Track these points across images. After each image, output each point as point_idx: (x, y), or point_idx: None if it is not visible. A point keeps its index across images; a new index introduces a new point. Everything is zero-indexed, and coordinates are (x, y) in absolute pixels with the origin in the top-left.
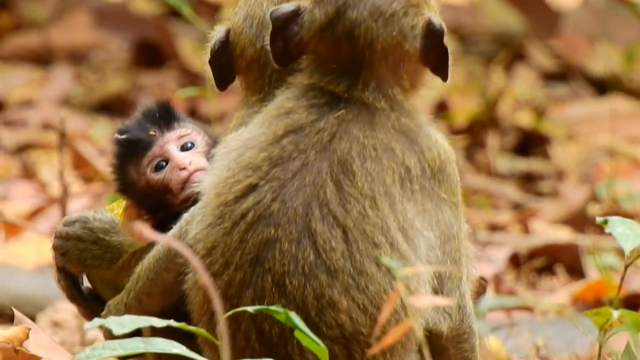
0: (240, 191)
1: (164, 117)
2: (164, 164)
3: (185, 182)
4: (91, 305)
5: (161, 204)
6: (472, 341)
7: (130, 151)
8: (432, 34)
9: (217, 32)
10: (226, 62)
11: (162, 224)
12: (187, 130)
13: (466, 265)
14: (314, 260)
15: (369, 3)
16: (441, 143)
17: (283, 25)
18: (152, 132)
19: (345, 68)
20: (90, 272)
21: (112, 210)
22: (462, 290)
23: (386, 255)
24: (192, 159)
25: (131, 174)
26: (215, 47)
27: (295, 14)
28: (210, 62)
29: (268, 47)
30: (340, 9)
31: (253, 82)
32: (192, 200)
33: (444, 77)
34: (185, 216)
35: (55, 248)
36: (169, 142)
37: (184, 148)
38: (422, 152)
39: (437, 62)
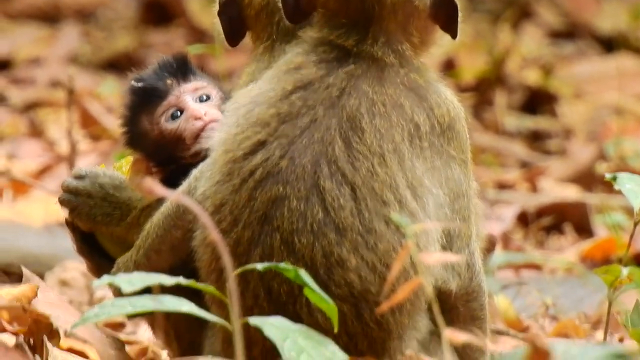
0: (248, 148)
1: (181, 68)
2: (179, 113)
3: (200, 132)
4: (100, 261)
5: (172, 156)
6: (481, 299)
7: (146, 100)
8: None
9: None
10: (236, 15)
11: (172, 178)
12: (203, 83)
13: (475, 223)
14: (323, 218)
15: None
16: (450, 100)
17: None
18: (169, 82)
19: (355, 22)
20: (99, 228)
21: (119, 169)
22: (472, 248)
23: (395, 213)
24: (208, 110)
25: (144, 123)
26: None
27: None
28: (220, 13)
29: (277, 2)
30: None
31: (261, 31)
32: (202, 155)
33: (454, 34)
34: (194, 172)
35: (63, 202)
36: (185, 92)
37: (199, 100)
38: (431, 109)
39: (447, 18)
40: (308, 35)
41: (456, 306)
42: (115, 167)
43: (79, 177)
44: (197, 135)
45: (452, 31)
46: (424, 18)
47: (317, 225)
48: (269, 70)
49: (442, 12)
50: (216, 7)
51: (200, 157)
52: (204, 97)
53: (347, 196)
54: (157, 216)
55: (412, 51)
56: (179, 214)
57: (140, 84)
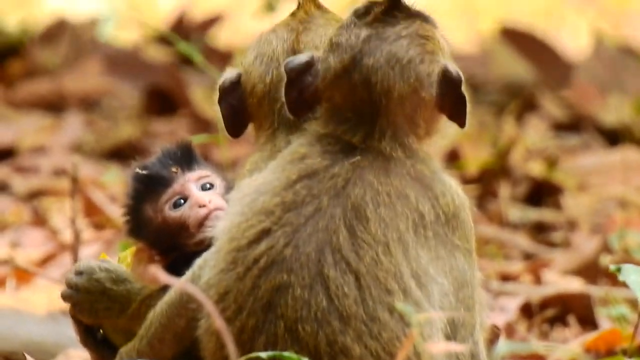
0: (253, 236)
1: (185, 157)
2: (183, 201)
3: (204, 220)
4: (104, 351)
5: (175, 244)
6: None
7: (150, 187)
8: (449, 82)
9: (227, 73)
10: (238, 104)
11: (174, 266)
12: (207, 171)
13: (479, 313)
14: (327, 306)
15: (385, 50)
16: (455, 189)
17: (297, 76)
18: (173, 170)
19: (361, 116)
20: (102, 321)
21: (124, 260)
22: (475, 338)
23: (399, 302)
24: (212, 198)
25: (147, 211)
26: (225, 84)
27: (309, 64)
28: (220, 100)
29: (280, 90)
30: (357, 56)
31: (264, 120)
32: (206, 243)
33: (462, 124)
34: (198, 261)
35: (65, 298)
36: (190, 181)
37: (203, 188)
38: (436, 198)
39: (454, 109)
40: (313, 129)
41: None
42: (120, 259)
43: (78, 273)
44: (201, 223)
45: (460, 121)
46: (430, 108)
47: (321, 314)
48: (272, 160)
49: (449, 102)
50: (216, 95)
51: (203, 245)
52: (208, 186)
53: (351, 284)
54: (161, 305)
55: (418, 142)
56: (183, 303)
57: (144, 172)
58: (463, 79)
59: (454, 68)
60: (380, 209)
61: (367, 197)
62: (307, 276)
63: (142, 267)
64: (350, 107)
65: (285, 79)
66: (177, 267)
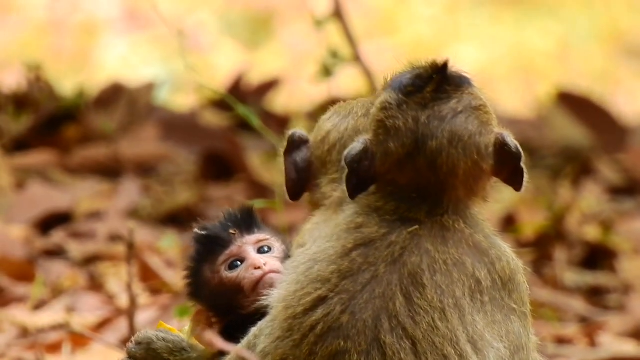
0: (309, 304)
1: (245, 220)
2: (239, 263)
3: (259, 282)
4: None
5: (231, 306)
6: None
7: (208, 249)
8: (508, 155)
9: (297, 129)
10: (302, 164)
11: (230, 329)
12: (266, 235)
13: None
14: None
15: (446, 130)
16: (509, 253)
17: (358, 164)
18: (232, 232)
19: (425, 195)
20: None
21: (184, 330)
22: None
23: None
24: (268, 261)
25: (205, 273)
26: (293, 137)
27: (365, 150)
28: (286, 154)
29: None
30: (419, 140)
31: (329, 169)
32: (261, 308)
33: (518, 187)
34: (253, 330)
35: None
36: (247, 243)
37: (260, 251)
38: (492, 264)
39: (511, 176)
40: (370, 201)
41: None
42: (181, 330)
43: (137, 344)
44: (255, 285)
45: (517, 184)
46: (488, 176)
47: None
48: (327, 229)
49: (507, 171)
50: (283, 148)
51: (258, 307)
52: (266, 249)
53: (408, 350)
54: None
55: (476, 209)
56: None
57: (203, 232)
58: (522, 152)
59: (511, 140)
60: (436, 276)
61: (424, 264)
62: (364, 342)
63: (200, 330)
64: (414, 188)
65: (346, 170)
66: (233, 330)
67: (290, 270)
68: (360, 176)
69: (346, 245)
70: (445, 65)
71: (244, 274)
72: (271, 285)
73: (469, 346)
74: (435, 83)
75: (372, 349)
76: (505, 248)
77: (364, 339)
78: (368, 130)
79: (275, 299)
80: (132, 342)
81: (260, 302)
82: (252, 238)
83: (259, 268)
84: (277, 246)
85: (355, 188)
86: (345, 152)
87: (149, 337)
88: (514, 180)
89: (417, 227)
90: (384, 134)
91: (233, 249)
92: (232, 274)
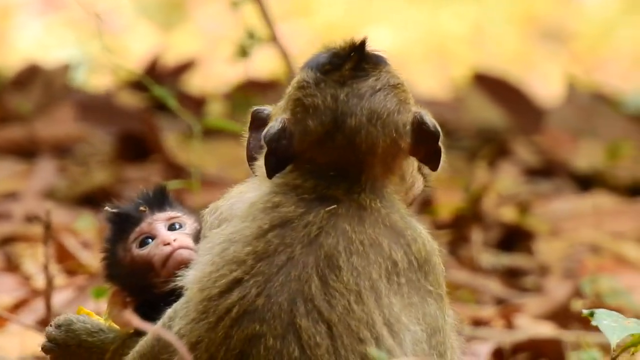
0: (224, 286)
1: (157, 198)
2: (150, 240)
3: (168, 257)
4: None
5: (144, 284)
6: None
7: (120, 227)
8: (426, 134)
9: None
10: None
11: (144, 308)
12: (177, 213)
13: (451, 358)
14: (299, 356)
15: (365, 107)
16: (425, 234)
17: (276, 144)
18: (141, 209)
19: (344, 173)
20: None
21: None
22: None
23: (373, 348)
24: (178, 237)
25: (119, 252)
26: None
27: (284, 130)
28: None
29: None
30: (338, 118)
31: None
32: (173, 287)
33: (435, 168)
34: (168, 312)
35: (45, 351)
36: (158, 220)
37: (172, 228)
38: (408, 245)
39: (428, 156)
40: (288, 180)
41: None
42: (100, 314)
43: (57, 327)
44: (165, 261)
45: (434, 164)
46: (405, 155)
47: None
48: (243, 208)
49: (424, 150)
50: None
51: (169, 285)
52: (177, 226)
53: (324, 334)
54: (133, 355)
55: (392, 189)
56: (155, 354)
57: (114, 210)
58: (440, 131)
59: (429, 119)
60: (352, 258)
61: (340, 246)
62: (280, 326)
63: (116, 310)
64: (332, 166)
65: (265, 149)
66: (147, 310)
67: (205, 251)
68: (279, 155)
69: (262, 225)
70: (363, 44)
71: (154, 250)
72: (181, 262)
73: (385, 329)
74: (353, 61)
75: (288, 333)
76: (420, 229)
77: (280, 322)
78: (285, 109)
79: (189, 280)
80: (51, 325)
81: (174, 283)
82: (163, 215)
83: (168, 244)
84: (189, 223)
85: (273, 167)
86: (264, 132)
87: (70, 319)
88: (431, 159)
89: (335, 206)
90: (302, 113)
91: (143, 226)
92: (142, 251)
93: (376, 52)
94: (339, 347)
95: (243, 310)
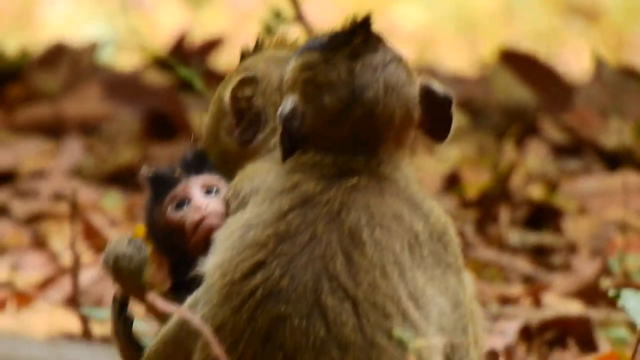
0: (247, 269)
1: (195, 162)
2: (184, 204)
3: (199, 224)
4: (132, 346)
5: (177, 246)
6: None
7: (157, 189)
8: (439, 102)
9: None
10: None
11: (177, 269)
12: (214, 177)
13: (474, 330)
14: (325, 335)
15: (380, 79)
16: (438, 207)
17: (290, 124)
18: (177, 172)
19: (363, 146)
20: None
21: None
22: (471, 357)
23: (397, 326)
24: (211, 202)
25: (156, 214)
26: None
27: (295, 110)
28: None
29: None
30: (356, 91)
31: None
32: (203, 250)
33: (443, 138)
34: (189, 300)
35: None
36: (194, 184)
37: (207, 192)
38: (427, 217)
39: (436, 124)
40: (307, 160)
41: None
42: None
43: (105, 261)
44: (195, 226)
45: (443, 133)
46: (414, 127)
47: (319, 343)
48: (258, 194)
49: (433, 120)
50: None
51: (200, 250)
52: (213, 191)
53: (350, 312)
54: (157, 344)
55: (406, 161)
56: (179, 342)
57: (150, 173)
58: (452, 96)
59: (438, 86)
60: (376, 232)
61: (363, 220)
62: (305, 306)
63: (152, 269)
64: (349, 141)
65: (281, 128)
66: (180, 270)
67: (225, 237)
68: (292, 137)
69: (282, 207)
70: (368, 19)
71: (187, 214)
72: (211, 230)
73: (411, 303)
74: (362, 35)
75: (313, 313)
76: (434, 203)
77: (305, 302)
78: (291, 91)
79: (210, 266)
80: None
81: (204, 249)
82: (199, 179)
83: (200, 209)
84: (225, 190)
85: (287, 149)
86: (279, 111)
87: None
88: (440, 129)
89: (355, 180)
90: (315, 91)
91: (178, 189)
92: (176, 215)
93: (373, 30)
94: (364, 325)
95: (267, 292)
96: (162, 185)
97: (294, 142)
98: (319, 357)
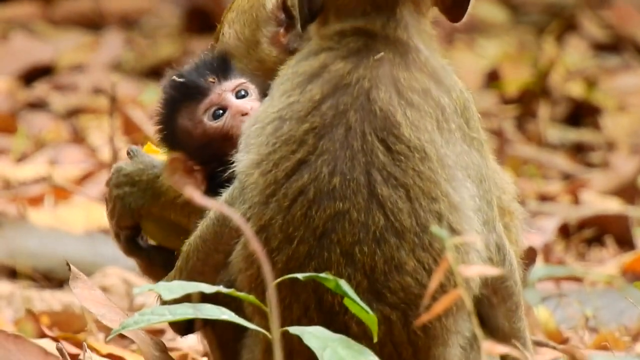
0: (289, 168)
1: (222, 67)
2: (222, 112)
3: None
4: (149, 254)
5: (216, 154)
6: (515, 276)
7: (186, 97)
8: None
9: None
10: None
11: (214, 176)
12: (242, 80)
13: (499, 202)
14: (384, 224)
15: None
16: (459, 82)
17: None
18: (211, 79)
19: (379, 7)
20: (140, 218)
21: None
22: (498, 230)
23: (444, 209)
24: (252, 105)
25: (184, 122)
26: None
27: None
28: None
29: None
30: None
31: None
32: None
33: (457, 18)
34: (223, 198)
35: (106, 200)
36: (227, 90)
37: (238, 96)
38: (449, 91)
39: (453, 2)
40: (330, 29)
41: (493, 289)
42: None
43: (109, 181)
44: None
45: (457, 16)
46: None
47: (379, 232)
48: (285, 82)
49: None
50: None
51: None
52: (243, 93)
53: (404, 198)
54: (196, 240)
55: (428, 26)
56: (218, 239)
57: (181, 80)
58: None
59: None
60: (407, 112)
61: (394, 100)
62: (362, 200)
63: (177, 176)
64: (369, 2)
65: None
66: (217, 176)
67: (256, 132)
68: (310, 1)
69: (314, 96)
70: None
71: (231, 122)
72: None
73: (449, 185)
74: None
75: (371, 204)
76: (454, 76)
77: (362, 197)
78: None
79: (245, 164)
80: (106, 182)
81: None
82: (230, 84)
83: (246, 114)
84: (252, 88)
85: (306, 16)
86: None
87: (119, 165)
88: (456, 7)
89: (382, 54)
90: None
91: (213, 97)
92: (217, 124)
93: None
94: (417, 209)
95: (319, 190)
96: (192, 92)
97: (312, 6)
98: (377, 247)
